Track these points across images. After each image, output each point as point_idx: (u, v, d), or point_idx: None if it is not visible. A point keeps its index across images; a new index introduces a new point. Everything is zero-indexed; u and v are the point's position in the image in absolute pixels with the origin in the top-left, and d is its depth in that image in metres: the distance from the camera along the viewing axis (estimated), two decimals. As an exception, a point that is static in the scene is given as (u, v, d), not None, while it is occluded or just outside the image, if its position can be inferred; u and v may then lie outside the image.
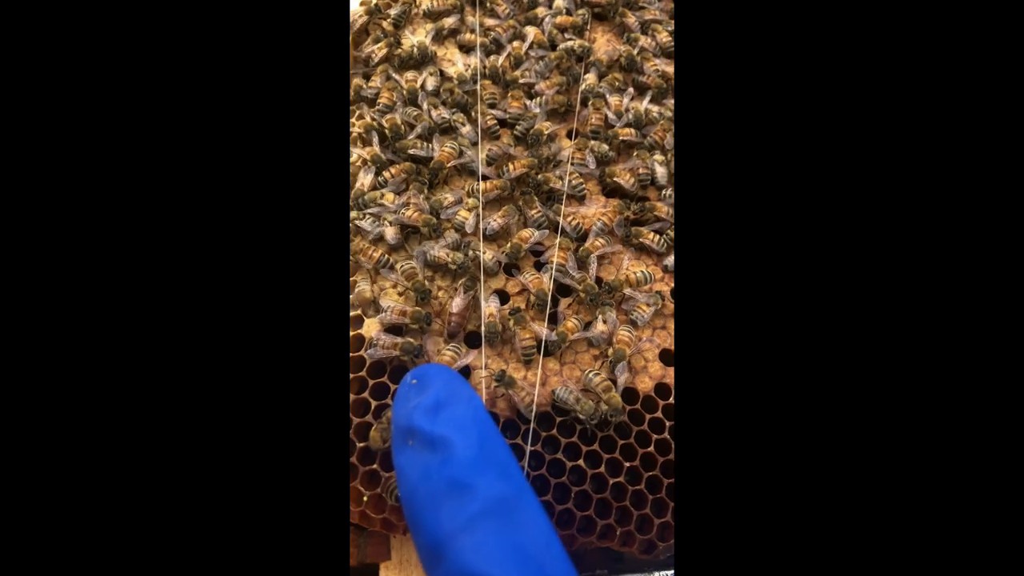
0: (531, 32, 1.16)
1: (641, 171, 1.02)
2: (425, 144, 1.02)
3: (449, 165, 1.00)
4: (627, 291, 0.93)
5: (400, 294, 0.92)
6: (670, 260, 0.97)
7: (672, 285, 0.97)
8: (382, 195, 0.97)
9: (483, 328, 0.87)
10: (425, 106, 1.06)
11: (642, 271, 0.95)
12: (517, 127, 1.05)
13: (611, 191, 1.05)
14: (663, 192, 1.02)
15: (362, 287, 0.90)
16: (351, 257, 0.93)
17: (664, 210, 1.00)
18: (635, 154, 1.05)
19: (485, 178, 1.00)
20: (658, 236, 0.97)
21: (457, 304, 0.89)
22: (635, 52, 1.15)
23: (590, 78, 1.13)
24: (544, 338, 0.87)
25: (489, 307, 0.88)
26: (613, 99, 1.12)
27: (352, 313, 0.90)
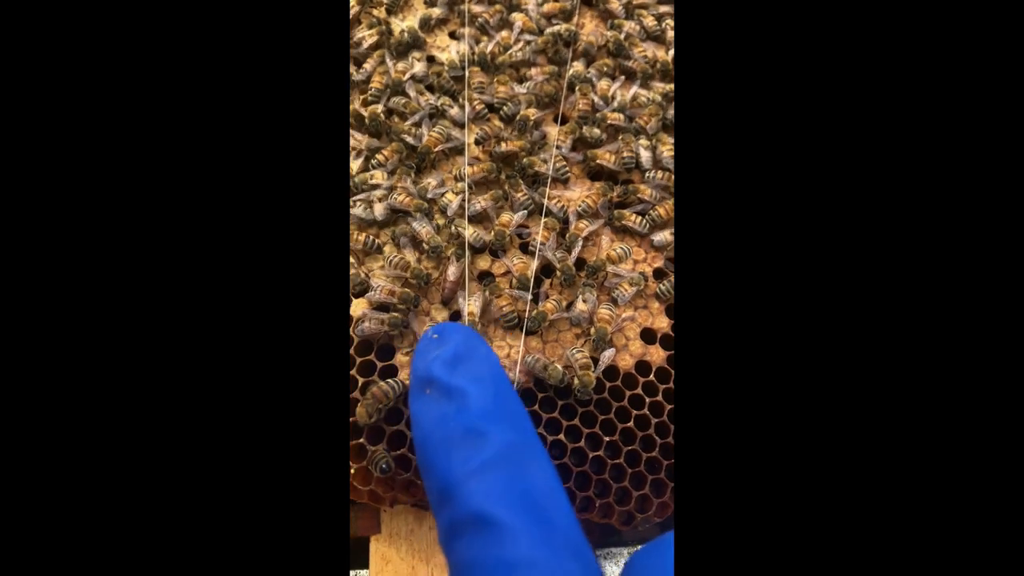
0: (518, 18, 1.18)
1: (625, 154, 1.04)
2: (415, 129, 1.04)
3: (436, 149, 1.02)
4: (610, 269, 0.95)
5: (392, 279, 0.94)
6: (657, 237, 0.99)
7: (656, 265, 0.98)
8: (371, 176, 0.99)
9: (464, 318, 0.89)
10: (412, 93, 1.08)
11: (621, 247, 0.97)
12: (504, 108, 1.07)
13: (595, 174, 1.07)
14: (647, 174, 1.04)
15: (351, 271, 0.93)
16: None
17: (647, 192, 1.02)
18: (620, 137, 1.07)
19: (473, 161, 1.02)
20: (640, 217, 0.99)
21: (452, 272, 0.91)
22: (621, 37, 1.17)
23: (578, 65, 1.15)
24: (525, 316, 0.89)
25: (471, 305, 0.89)
26: (601, 84, 1.14)
27: (341, 293, 0.93)
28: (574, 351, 0.88)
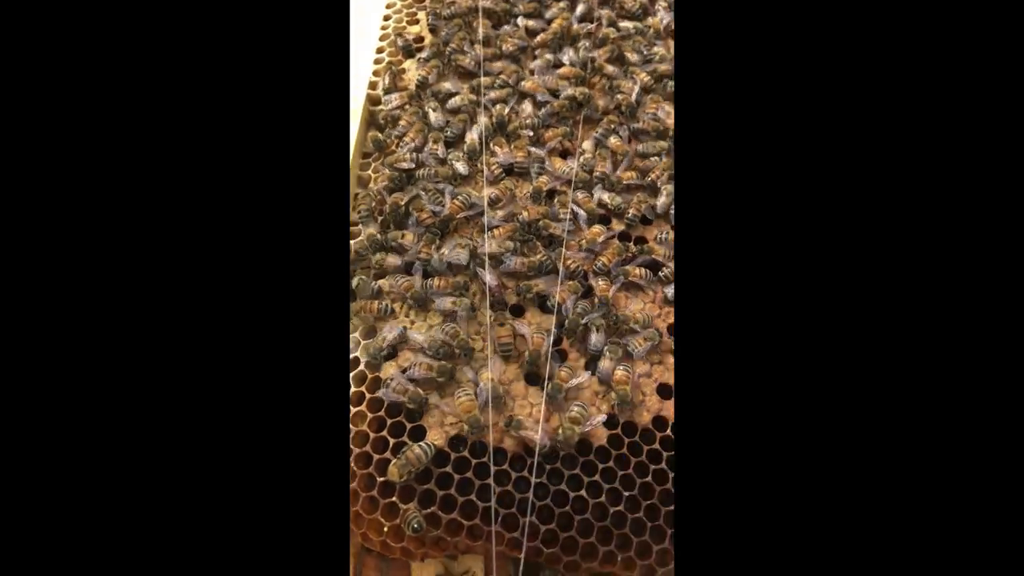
0: (528, 85, 1.25)
1: (631, 212, 1.10)
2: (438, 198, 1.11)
3: (459, 216, 1.09)
4: (632, 325, 1.00)
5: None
6: (669, 290, 1.04)
7: (670, 321, 1.03)
8: (403, 235, 1.06)
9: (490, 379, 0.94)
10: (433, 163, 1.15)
11: (642, 313, 1.02)
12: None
13: (601, 218, 1.13)
14: (660, 234, 1.09)
15: (376, 338, 0.98)
16: (352, 317, 1.01)
17: (660, 252, 1.07)
18: (635, 197, 1.13)
19: (494, 227, 1.08)
20: (645, 270, 1.04)
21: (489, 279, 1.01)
22: (632, 99, 1.23)
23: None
24: (544, 389, 0.94)
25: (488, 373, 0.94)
26: (612, 140, 1.20)
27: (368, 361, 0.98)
28: (574, 405, 0.93)
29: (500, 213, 1.10)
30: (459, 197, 1.10)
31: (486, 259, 1.03)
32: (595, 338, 0.97)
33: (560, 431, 0.90)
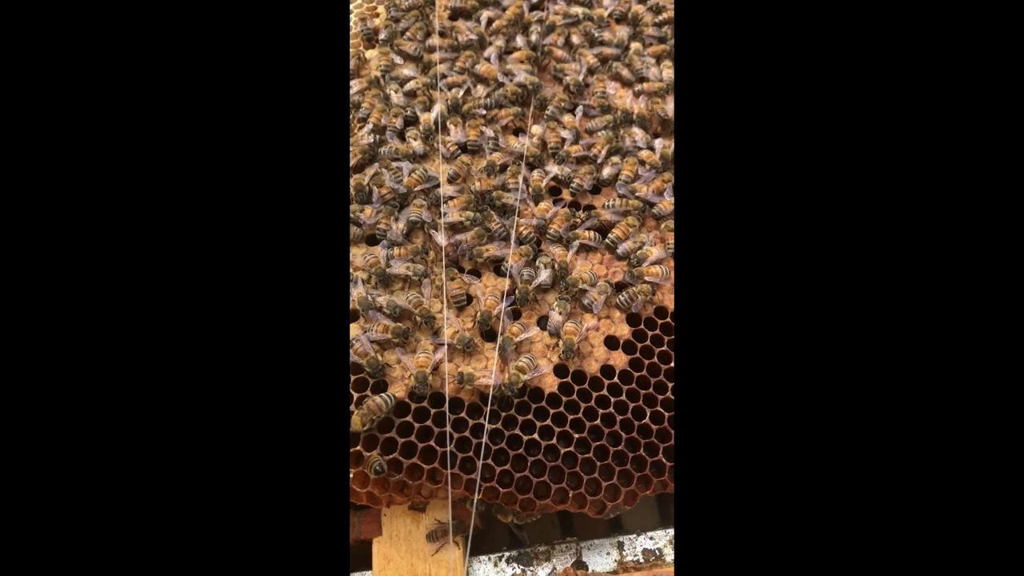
0: (483, 69, 1.32)
1: (575, 183, 1.18)
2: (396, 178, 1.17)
3: (417, 189, 1.15)
4: (581, 285, 1.07)
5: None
6: (620, 248, 1.11)
7: (616, 279, 1.10)
8: (362, 209, 1.12)
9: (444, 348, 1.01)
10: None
11: (589, 272, 1.09)
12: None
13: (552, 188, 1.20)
14: (608, 202, 1.16)
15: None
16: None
17: (607, 216, 1.14)
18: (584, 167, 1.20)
19: (449, 198, 1.15)
20: (593, 233, 1.11)
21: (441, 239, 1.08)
22: (580, 79, 1.31)
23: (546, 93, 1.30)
24: (498, 344, 1.00)
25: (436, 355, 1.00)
26: (566, 118, 1.27)
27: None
28: (523, 357, 0.99)
29: (452, 189, 1.17)
30: (416, 172, 1.16)
31: (441, 224, 1.10)
32: (556, 318, 1.04)
33: (507, 377, 0.96)
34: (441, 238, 1.09)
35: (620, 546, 1.03)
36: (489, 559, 1.02)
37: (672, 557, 1.01)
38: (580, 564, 1.02)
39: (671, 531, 1.04)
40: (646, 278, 1.08)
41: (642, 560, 1.02)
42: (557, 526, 1.12)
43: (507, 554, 1.03)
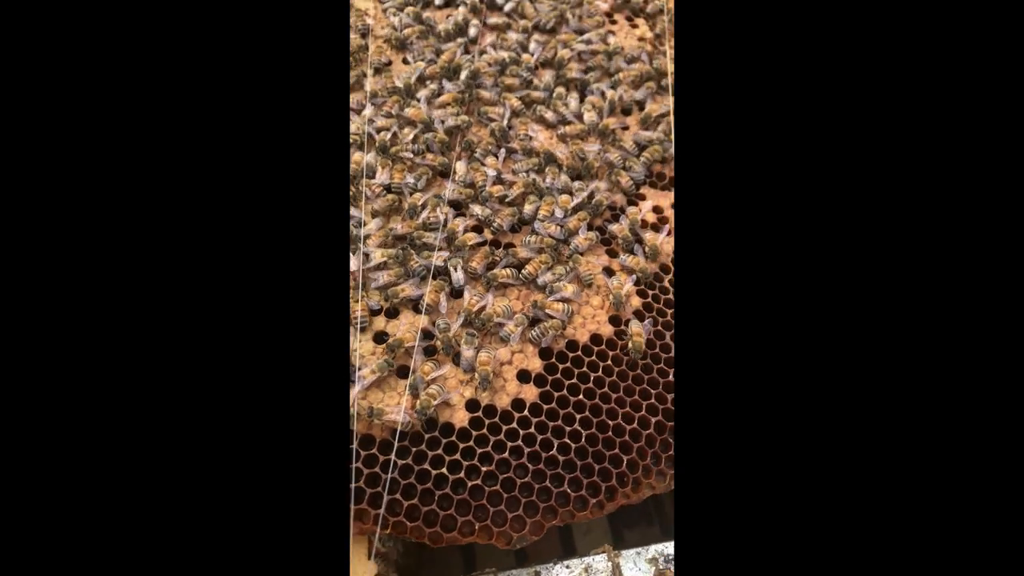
0: (411, 113, 1.38)
1: (496, 223, 1.23)
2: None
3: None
4: (496, 320, 1.11)
5: None
6: (541, 279, 1.16)
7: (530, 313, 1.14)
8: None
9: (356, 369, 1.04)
10: None
11: (504, 306, 1.13)
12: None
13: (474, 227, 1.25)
14: (526, 240, 1.21)
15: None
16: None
17: (523, 254, 1.19)
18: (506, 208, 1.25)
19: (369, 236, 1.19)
20: (511, 270, 1.17)
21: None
22: (504, 124, 1.37)
23: (472, 137, 1.35)
24: (408, 383, 1.04)
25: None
26: (489, 160, 1.33)
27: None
28: (432, 386, 1.04)
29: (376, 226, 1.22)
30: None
31: (360, 248, 1.15)
32: (467, 355, 1.08)
33: (418, 404, 1.00)
34: (354, 262, 1.14)
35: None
36: (409, 593, 1.04)
37: (586, 586, 1.04)
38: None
39: (587, 559, 1.07)
40: (547, 311, 1.12)
41: (558, 590, 1.05)
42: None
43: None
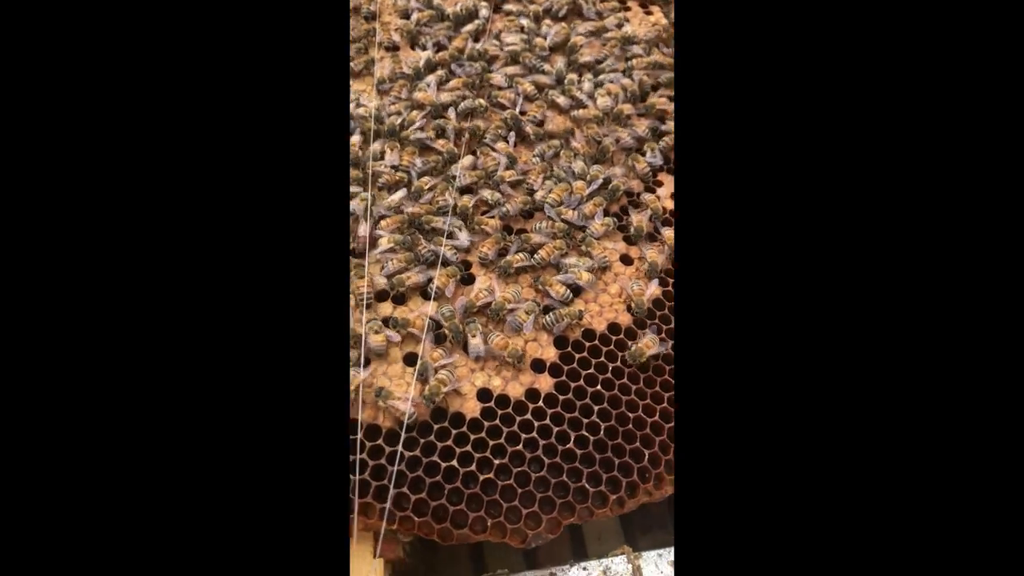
0: (420, 96, 1.33)
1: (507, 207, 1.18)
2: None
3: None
4: (507, 307, 1.05)
5: None
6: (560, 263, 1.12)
7: (544, 302, 1.09)
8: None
9: (363, 349, 0.99)
10: None
11: (513, 291, 1.08)
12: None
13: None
14: (537, 225, 1.16)
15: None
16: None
17: (536, 239, 1.14)
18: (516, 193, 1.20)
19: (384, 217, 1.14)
20: (523, 255, 1.11)
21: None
22: (516, 111, 1.32)
23: (480, 123, 1.30)
24: (417, 368, 0.99)
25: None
26: (500, 145, 1.28)
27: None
28: (442, 371, 0.98)
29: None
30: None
31: (367, 240, 1.10)
32: (474, 343, 1.02)
33: (427, 389, 0.95)
34: (364, 228, 1.10)
35: (551, 579, 1.00)
36: (416, 598, 0.98)
37: (603, 590, 0.97)
38: (510, 599, 0.98)
39: (605, 561, 1.01)
40: (548, 288, 1.08)
41: (573, 593, 0.98)
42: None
43: (435, 591, 0.99)
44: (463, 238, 1.13)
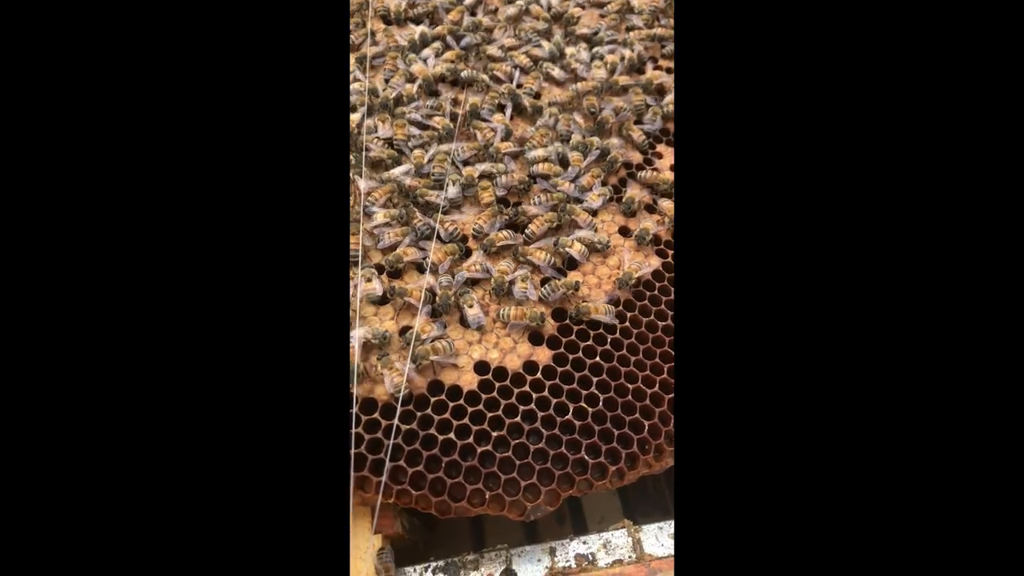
0: (416, 69, 1.31)
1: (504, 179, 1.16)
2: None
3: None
4: (507, 277, 1.04)
5: None
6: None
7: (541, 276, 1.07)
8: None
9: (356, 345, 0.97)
10: None
11: (505, 263, 1.06)
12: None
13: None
14: (533, 199, 1.14)
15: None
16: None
17: (532, 211, 1.12)
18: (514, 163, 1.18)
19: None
20: (507, 233, 1.10)
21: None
22: (513, 86, 1.30)
23: (474, 99, 1.27)
24: (412, 340, 0.97)
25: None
26: (496, 116, 1.26)
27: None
28: (442, 340, 0.98)
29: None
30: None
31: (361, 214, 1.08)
32: (472, 312, 1.01)
33: (416, 351, 0.94)
34: (363, 183, 1.10)
35: (552, 552, 0.99)
36: (415, 570, 0.97)
37: (605, 562, 0.97)
38: (509, 572, 0.97)
39: (605, 535, 1.00)
40: (529, 257, 1.07)
41: (574, 566, 0.97)
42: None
43: (433, 564, 0.98)
44: (452, 192, 1.12)
